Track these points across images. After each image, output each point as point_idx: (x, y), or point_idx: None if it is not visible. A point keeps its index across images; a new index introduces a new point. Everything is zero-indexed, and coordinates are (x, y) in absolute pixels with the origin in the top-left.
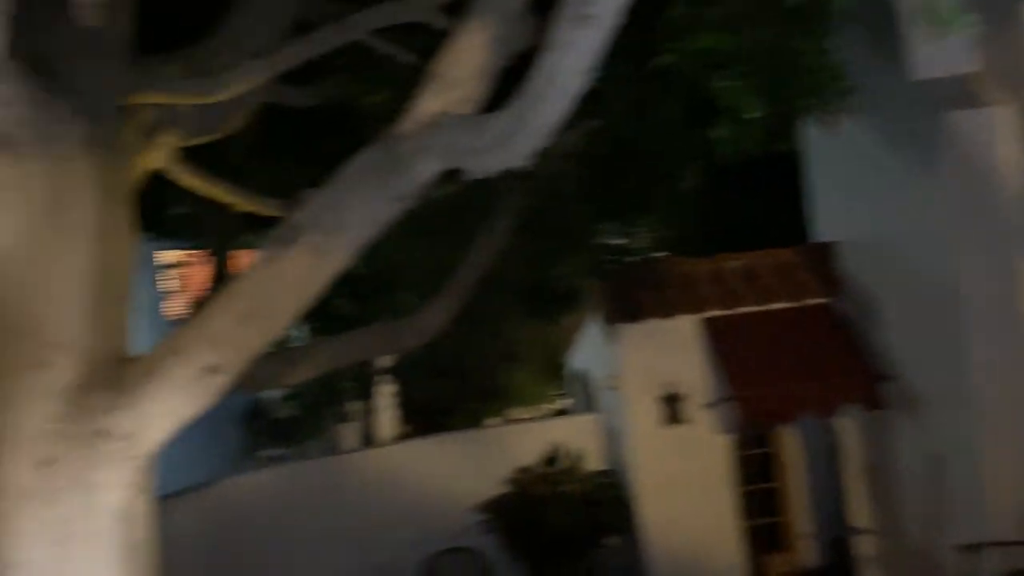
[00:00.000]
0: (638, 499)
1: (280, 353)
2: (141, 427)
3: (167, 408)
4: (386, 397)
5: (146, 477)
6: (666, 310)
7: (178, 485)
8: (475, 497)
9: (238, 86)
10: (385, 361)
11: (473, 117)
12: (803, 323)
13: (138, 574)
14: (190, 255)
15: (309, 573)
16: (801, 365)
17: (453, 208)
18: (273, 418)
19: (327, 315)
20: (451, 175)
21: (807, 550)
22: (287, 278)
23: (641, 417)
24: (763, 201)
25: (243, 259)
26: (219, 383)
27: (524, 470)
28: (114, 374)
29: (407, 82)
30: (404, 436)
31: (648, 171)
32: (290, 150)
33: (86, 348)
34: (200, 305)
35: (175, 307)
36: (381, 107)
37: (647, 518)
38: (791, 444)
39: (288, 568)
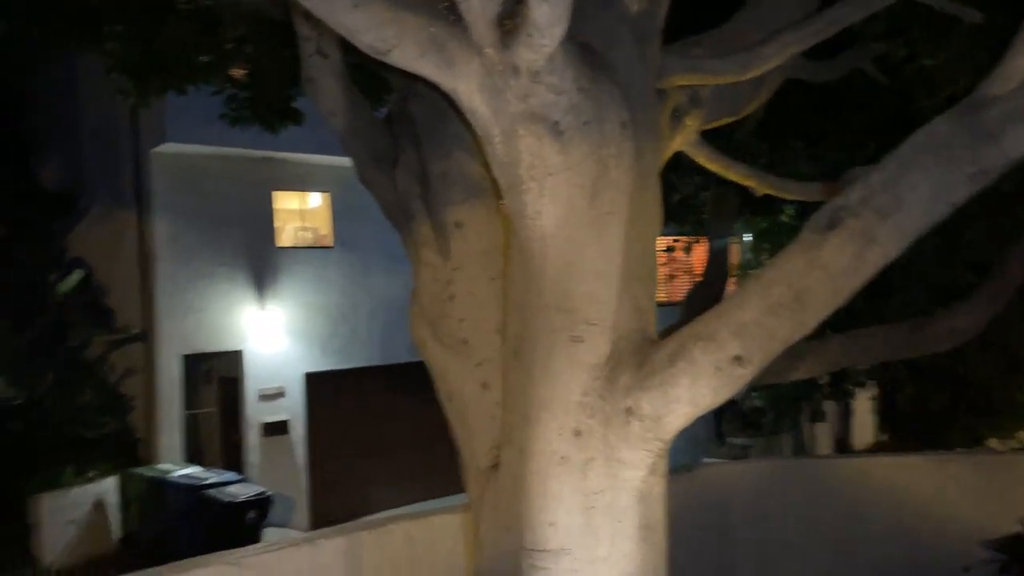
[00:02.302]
0: None
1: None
2: (665, 411)
3: (690, 395)
4: (865, 400)
5: (664, 461)
6: None
7: None
8: (982, 531)
9: (770, 62)
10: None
11: None
12: None
13: (654, 554)
14: (680, 239)
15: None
16: None
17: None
18: (741, 407)
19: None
20: None
21: None
22: (827, 267)
23: None
24: None
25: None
26: (742, 375)
27: None
28: (641, 355)
29: (971, 43)
30: (882, 445)
31: None
32: (798, 128)
33: (616, 327)
34: (698, 291)
35: (668, 291)
36: (938, 72)
37: None
38: None
39: (768, 566)
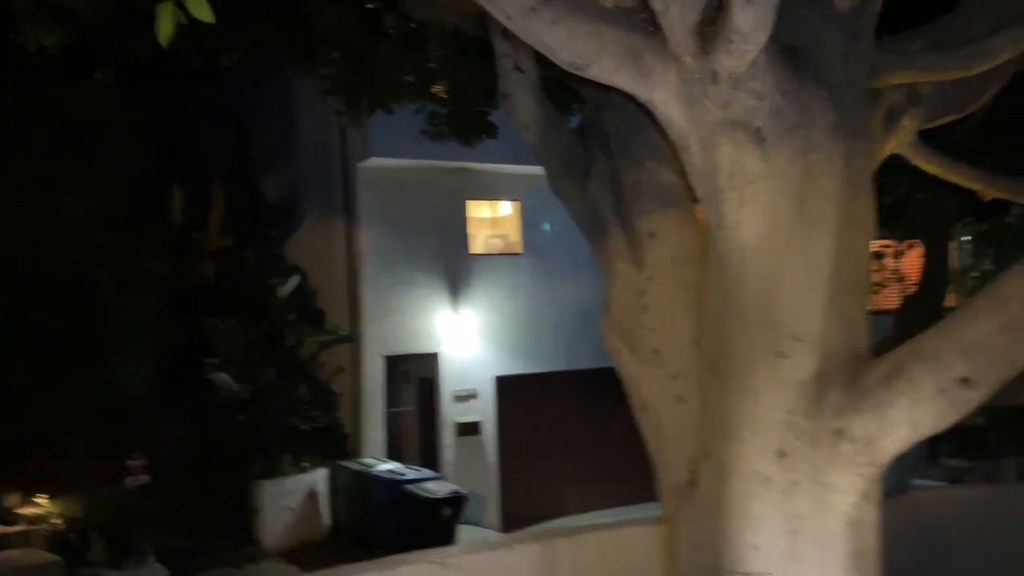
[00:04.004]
0: None
1: None
2: (879, 434)
3: (908, 417)
4: None
5: (877, 487)
6: None
7: None
8: None
9: (1000, 55)
10: None
11: None
12: None
13: None
14: (890, 245)
15: None
16: None
17: None
18: (959, 425)
19: None
20: None
21: None
22: None
23: None
24: None
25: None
26: (970, 398)
27: None
28: (852, 373)
29: None
30: None
31: None
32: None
33: (824, 343)
34: (914, 302)
35: (877, 299)
36: None
37: None
38: None
39: None
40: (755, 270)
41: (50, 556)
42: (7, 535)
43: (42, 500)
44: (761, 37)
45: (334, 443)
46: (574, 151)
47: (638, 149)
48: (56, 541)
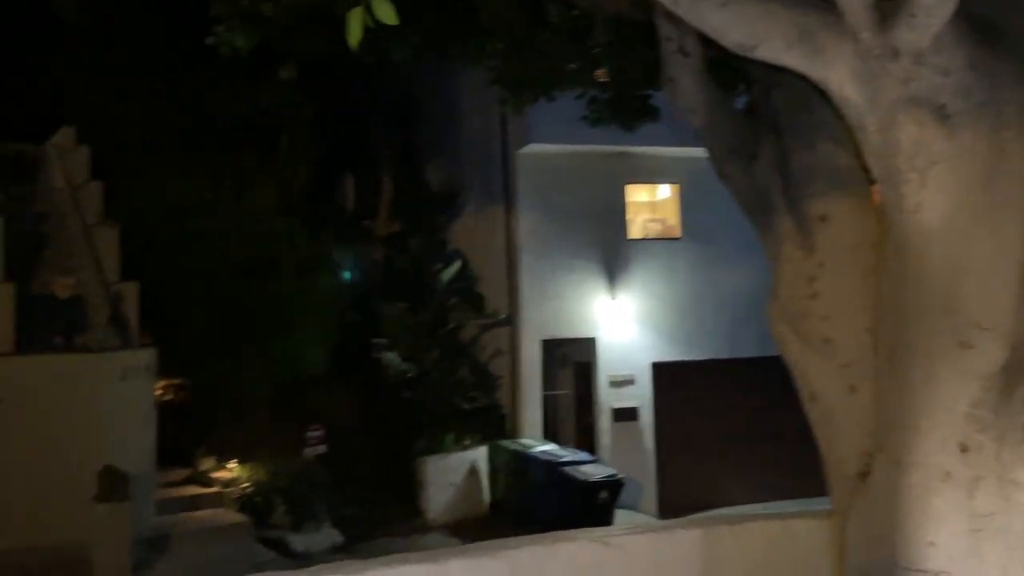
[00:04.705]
0: None
1: None
2: None
3: None
4: None
5: None
6: None
7: None
8: None
9: None
10: None
11: None
12: None
13: None
14: None
15: None
16: None
17: None
18: None
19: None
20: None
21: None
22: None
23: None
24: None
25: None
26: None
27: None
28: None
29: None
30: None
31: None
32: None
33: (1014, 332)
34: None
35: None
36: None
37: None
38: None
39: None
40: (938, 255)
41: (240, 517)
42: (203, 496)
43: (233, 465)
44: (946, 10)
45: (494, 423)
46: (740, 134)
47: (810, 130)
48: (246, 503)
